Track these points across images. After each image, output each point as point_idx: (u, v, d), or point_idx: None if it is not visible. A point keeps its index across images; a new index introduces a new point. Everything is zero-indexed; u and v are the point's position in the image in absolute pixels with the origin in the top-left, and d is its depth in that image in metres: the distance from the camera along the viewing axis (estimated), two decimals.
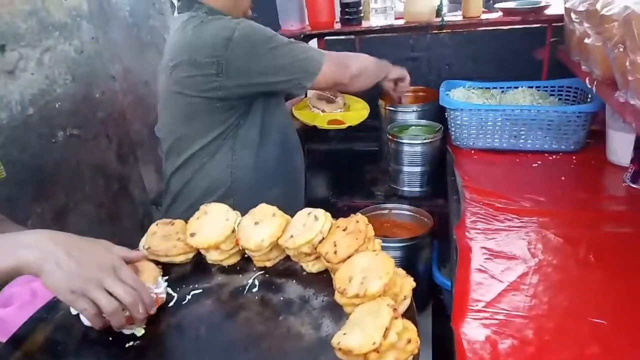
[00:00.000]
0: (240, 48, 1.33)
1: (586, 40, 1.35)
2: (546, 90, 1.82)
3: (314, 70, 1.41)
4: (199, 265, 1.00)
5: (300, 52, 1.41)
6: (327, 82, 1.46)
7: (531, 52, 2.00)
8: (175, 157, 1.52)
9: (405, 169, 1.83)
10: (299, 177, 1.69)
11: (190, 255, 0.99)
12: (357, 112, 1.83)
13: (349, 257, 0.84)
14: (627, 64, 1.03)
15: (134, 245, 1.01)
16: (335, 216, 0.98)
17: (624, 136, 1.46)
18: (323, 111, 1.82)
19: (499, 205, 1.33)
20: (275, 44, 1.38)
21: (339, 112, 1.81)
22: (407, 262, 1.67)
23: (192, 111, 1.43)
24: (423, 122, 1.90)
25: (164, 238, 0.98)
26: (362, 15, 1.94)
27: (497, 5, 1.90)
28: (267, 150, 1.51)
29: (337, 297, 0.80)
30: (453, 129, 1.73)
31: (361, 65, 1.54)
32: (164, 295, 0.88)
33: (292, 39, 1.44)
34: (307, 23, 1.96)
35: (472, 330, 0.89)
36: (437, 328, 1.67)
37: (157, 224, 1.02)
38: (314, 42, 2.25)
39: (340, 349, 0.66)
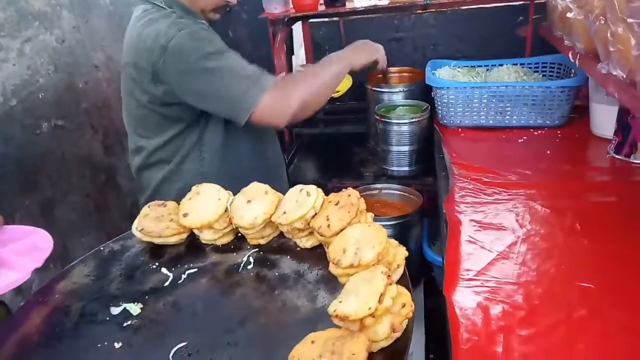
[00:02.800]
0: (172, 59, 1.22)
1: (568, 15, 1.37)
2: (530, 67, 1.84)
3: (246, 106, 1.23)
4: (193, 245, 1.01)
5: (236, 81, 1.23)
6: (264, 122, 1.29)
7: (515, 30, 2.02)
8: (137, 155, 1.47)
9: (394, 148, 1.84)
10: (275, 167, 1.61)
11: (184, 236, 0.99)
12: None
13: (342, 230, 0.85)
14: (609, 35, 1.04)
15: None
16: None
17: (607, 108, 1.48)
18: None
19: (487, 180, 1.35)
20: (210, 65, 1.22)
21: None
22: (399, 240, 1.67)
23: (142, 114, 1.36)
24: (410, 101, 1.91)
25: (157, 219, 0.98)
26: None
27: None
28: (235, 152, 1.44)
29: (332, 269, 0.81)
30: (440, 108, 1.74)
31: (310, 91, 1.32)
32: None
33: (237, 58, 1.26)
34: (291, 5, 1.95)
35: (464, 298, 0.91)
36: (429, 304, 1.70)
37: (149, 206, 1.02)
38: (298, 25, 2.24)
39: (336, 316, 0.67)
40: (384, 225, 1.63)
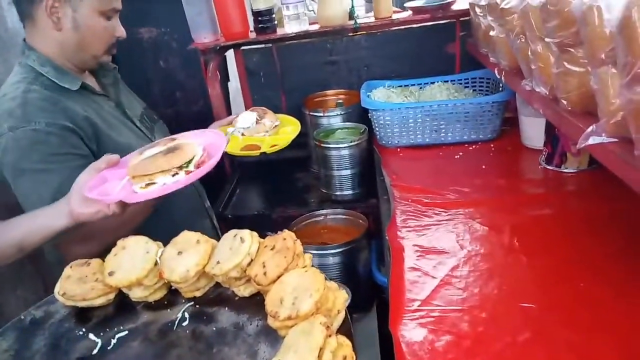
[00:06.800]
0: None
1: (491, 33, 1.41)
2: (460, 83, 1.89)
3: None
4: (122, 304, 0.93)
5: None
6: None
7: (443, 47, 2.06)
8: None
9: (335, 173, 1.83)
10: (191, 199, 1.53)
11: (112, 296, 0.92)
12: (279, 137, 1.52)
13: (279, 277, 0.82)
14: (529, 53, 1.07)
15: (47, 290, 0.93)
16: (271, 228, 0.94)
17: (535, 121, 1.53)
18: (243, 135, 1.53)
19: (427, 201, 1.35)
20: (19, 182, 1.15)
21: (260, 136, 1.51)
22: (347, 266, 1.67)
23: None
24: (348, 124, 1.91)
25: (80, 281, 0.90)
26: (276, 22, 1.91)
27: (406, 5, 1.94)
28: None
29: (270, 322, 0.77)
30: (377, 129, 1.75)
31: None
32: None
33: (47, 183, 1.14)
34: (221, 34, 1.91)
35: (410, 332, 0.89)
36: (382, 327, 1.67)
37: (71, 266, 0.94)
38: (230, 53, 2.21)
39: None
40: (332, 254, 1.64)
